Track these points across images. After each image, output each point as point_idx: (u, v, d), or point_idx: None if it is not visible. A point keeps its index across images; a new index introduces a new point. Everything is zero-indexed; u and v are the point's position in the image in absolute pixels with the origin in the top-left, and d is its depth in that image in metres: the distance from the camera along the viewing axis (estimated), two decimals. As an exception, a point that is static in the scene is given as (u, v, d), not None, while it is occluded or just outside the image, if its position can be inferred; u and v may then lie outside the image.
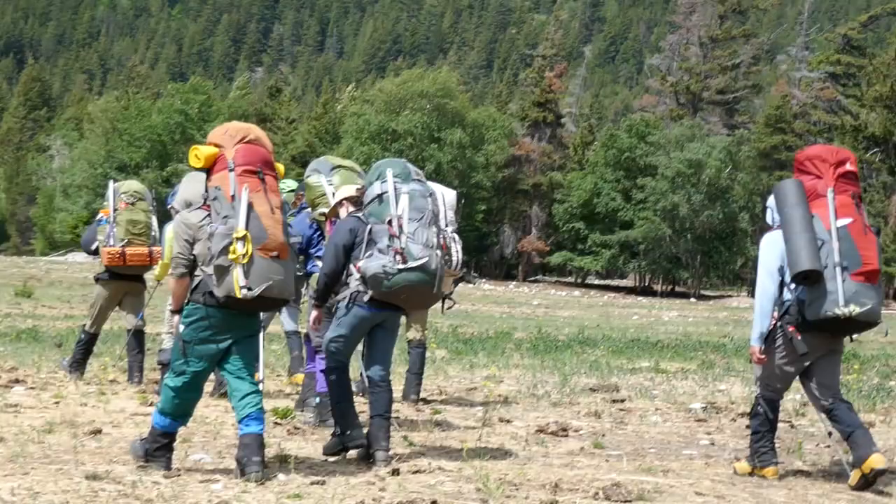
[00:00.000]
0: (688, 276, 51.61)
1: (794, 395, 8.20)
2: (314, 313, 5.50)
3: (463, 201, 6.45)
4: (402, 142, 52.93)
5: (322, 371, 5.63)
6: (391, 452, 5.18)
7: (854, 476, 4.89)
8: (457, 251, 7.01)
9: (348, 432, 5.19)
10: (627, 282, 56.24)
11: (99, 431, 5.63)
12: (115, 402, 7.00)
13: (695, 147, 48.73)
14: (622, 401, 8.31)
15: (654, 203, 48.76)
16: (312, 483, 4.39)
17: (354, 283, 5.08)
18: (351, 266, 5.10)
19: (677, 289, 53.12)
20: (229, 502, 4.01)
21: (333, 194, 5.75)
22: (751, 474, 5.25)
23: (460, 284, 10.23)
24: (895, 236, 46.91)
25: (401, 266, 4.92)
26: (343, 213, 5.47)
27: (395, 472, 4.64)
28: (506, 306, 32.63)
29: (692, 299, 45.72)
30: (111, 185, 8.58)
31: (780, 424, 6.24)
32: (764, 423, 5.32)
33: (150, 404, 6.42)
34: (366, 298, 5.01)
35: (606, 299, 45.60)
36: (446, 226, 6.70)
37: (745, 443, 5.91)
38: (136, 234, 8.06)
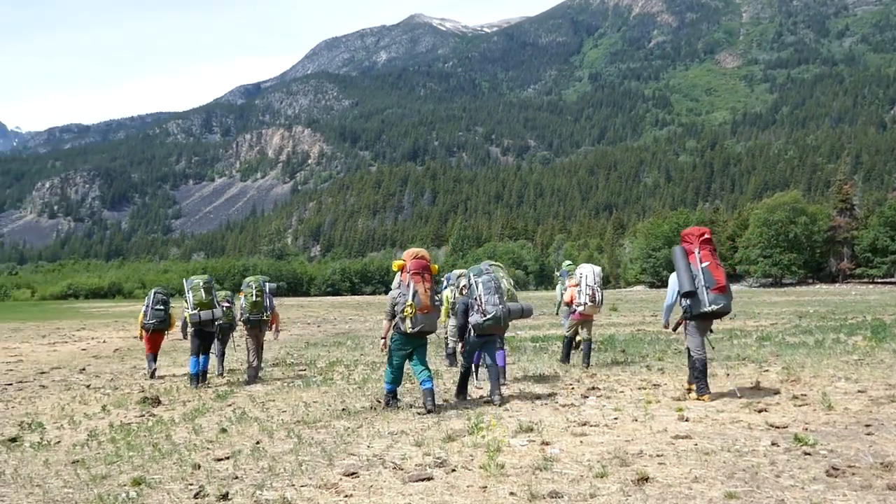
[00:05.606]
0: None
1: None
2: (459, 344, 8.28)
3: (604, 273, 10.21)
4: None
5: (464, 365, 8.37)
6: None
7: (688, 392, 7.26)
8: (601, 296, 10.27)
9: (462, 392, 8.12)
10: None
11: (645, 479, 4.26)
12: (658, 419, 6.29)
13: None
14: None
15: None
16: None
17: (470, 325, 7.83)
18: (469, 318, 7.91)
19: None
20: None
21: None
22: (689, 392, 7.36)
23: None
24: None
25: (484, 318, 7.57)
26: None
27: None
28: (837, 296, 42.27)
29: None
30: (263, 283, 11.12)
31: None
32: (700, 368, 7.16)
33: (686, 420, 6.16)
34: (476, 332, 7.79)
35: (887, 289, 59.97)
36: (595, 282, 10.17)
37: None
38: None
